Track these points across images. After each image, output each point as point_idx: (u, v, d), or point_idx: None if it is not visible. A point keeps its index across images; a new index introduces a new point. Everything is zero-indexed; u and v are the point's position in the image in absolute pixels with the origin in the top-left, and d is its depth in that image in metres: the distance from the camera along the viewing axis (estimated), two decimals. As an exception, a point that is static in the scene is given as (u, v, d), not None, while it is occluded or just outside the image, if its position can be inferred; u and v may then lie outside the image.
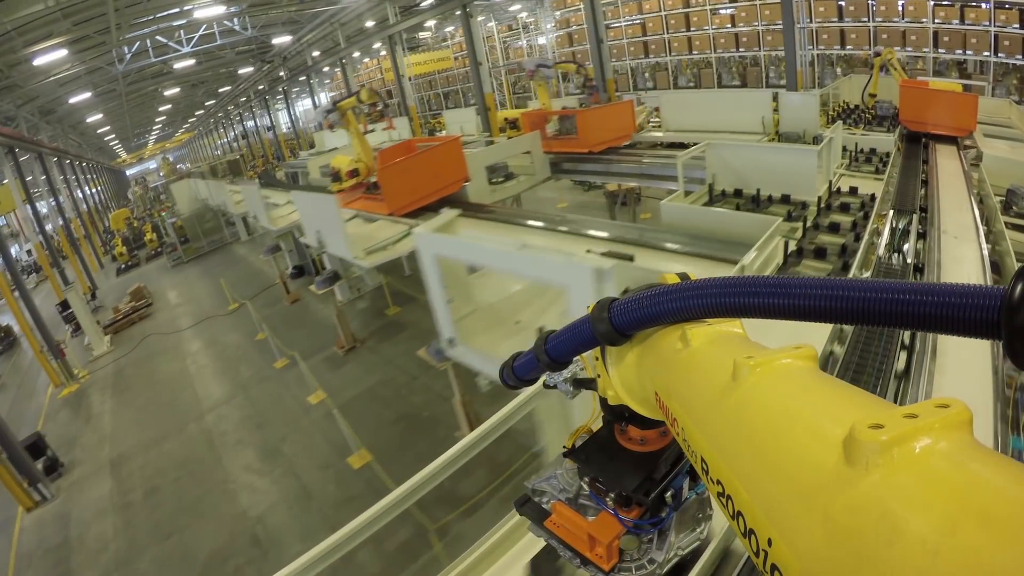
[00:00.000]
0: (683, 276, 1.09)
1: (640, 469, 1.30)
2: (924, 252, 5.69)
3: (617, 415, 1.33)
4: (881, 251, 5.57)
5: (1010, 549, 0.44)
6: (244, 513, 9.45)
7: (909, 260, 5.36)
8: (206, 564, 8.74)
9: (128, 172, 74.77)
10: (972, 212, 6.58)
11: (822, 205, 7.19)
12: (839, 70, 20.89)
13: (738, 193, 8.50)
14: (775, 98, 12.44)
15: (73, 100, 23.20)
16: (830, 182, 7.87)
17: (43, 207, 26.38)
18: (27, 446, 11.88)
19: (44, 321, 16.14)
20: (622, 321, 1.08)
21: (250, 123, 50.69)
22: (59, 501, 11.43)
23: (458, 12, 18.15)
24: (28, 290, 15.90)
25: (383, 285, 14.68)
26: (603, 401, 1.35)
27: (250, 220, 14.43)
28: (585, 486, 1.43)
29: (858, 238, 5.95)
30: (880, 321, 0.74)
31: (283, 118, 45.17)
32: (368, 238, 8.59)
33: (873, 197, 7.31)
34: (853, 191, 7.72)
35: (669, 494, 1.27)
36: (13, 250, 20.01)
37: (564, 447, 1.47)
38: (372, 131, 11.41)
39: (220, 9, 18.71)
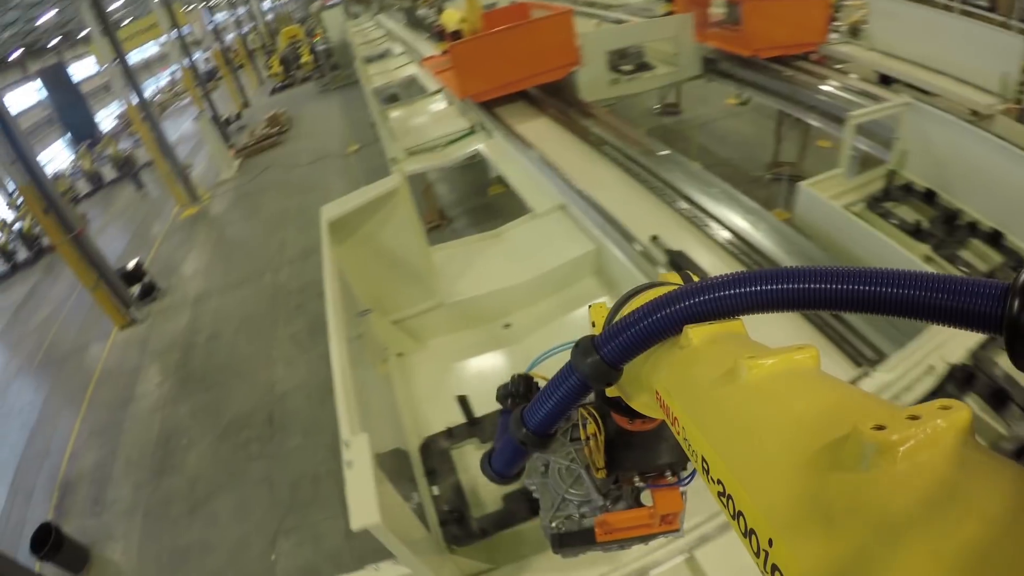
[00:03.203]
0: (685, 277, 1.11)
1: (664, 441, 1.36)
2: None
3: (614, 404, 1.34)
4: None
5: (1011, 553, 0.44)
6: (273, 387, 9.25)
7: None
8: (226, 427, 8.79)
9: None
10: None
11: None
12: None
13: (929, 197, 5.40)
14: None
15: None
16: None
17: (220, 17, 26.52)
18: (127, 272, 12.61)
19: (171, 145, 16.50)
20: (615, 357, 1.03)
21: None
22: (145, 325, 12.08)
23: None
24: (156, 118, 16.18)
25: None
26: (600, 394, 1.37)
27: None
28: (613, 486, 1.52)
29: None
30: (882, 310, 0.74)
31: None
32: (421, 132, 6.85)
33: None
34: None
35: None
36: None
37: (596, 468, 1.47)
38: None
39: None
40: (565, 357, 1.14)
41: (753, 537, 0.66)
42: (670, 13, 10.24)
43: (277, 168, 17.94)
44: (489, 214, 11.58)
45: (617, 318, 1.04)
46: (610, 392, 1.29)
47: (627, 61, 8.94)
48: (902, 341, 3.31)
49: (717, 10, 10.03)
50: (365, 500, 1.85)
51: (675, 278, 1.10)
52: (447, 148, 6.42)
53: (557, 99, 7.99)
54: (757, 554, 0.65)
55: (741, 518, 0.69)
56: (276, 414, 8.65)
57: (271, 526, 7.07)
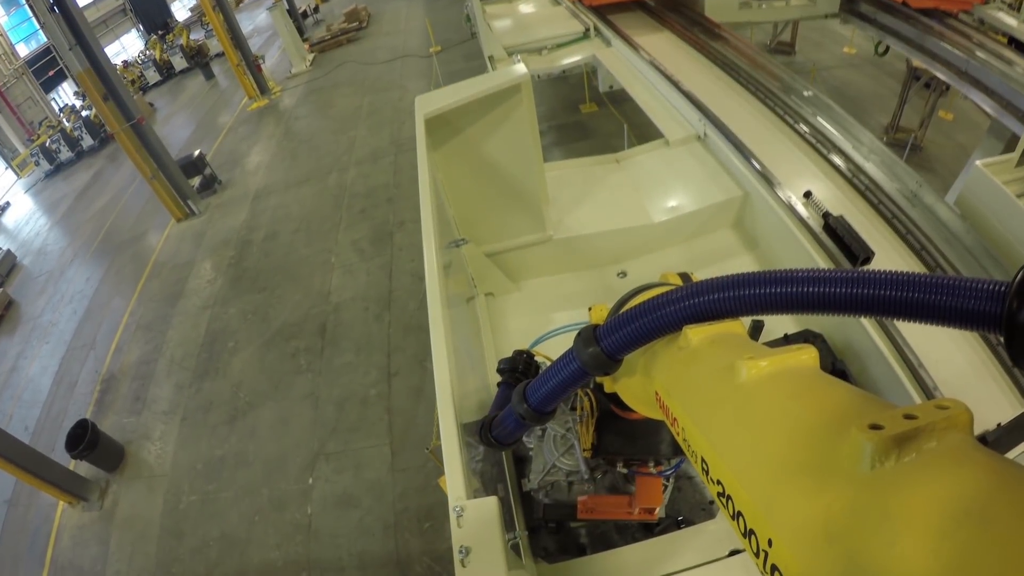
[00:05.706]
0: (685, 277, 1.14)
1: (659, 432, 1.41)
2: None
3: (612, 397, 1.36)
4: None
5: (1009, 550, 0.43)
6: (328, 296, 8.77)
7: None
8: (275, 333, 8.37)
9: None
10: None
11: None
12: None
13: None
14: None
15: None
16: None
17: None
18: (187, 164, 12.06)
19: (243, 36, 15.84)
20: (614, 350, 1.06)
21: None
22: (203, 219, 11.66)
23: None
24: (229, 8, 15.65)
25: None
26: (599, 387, 1.39)
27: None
28: (603, 462, 1.60)
29: None
30: (884, 312, 0.73)
31: None
32: (525, 31, 5.93)
33: None
34: None
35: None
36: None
37: (583, 448, 1.57)
38: None
39: None
40: (567, 338, 1.25)
41: (753, 537, 0.65)
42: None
43: (353, 64, 17.11)
44: (579, 134, 10.70)
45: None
46: (609, 388, 1.33)
47: (761, -15, 7.73)
48: None
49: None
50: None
51: (675, 279, 1.18)
52: (555, 52, 5.49)
53: (677, 14, 6.88)
54: (757, 554, 0.65)
55: (741, 518, 0.69)
56: (329, 326, 8.16)
57: (311, 447, 6.64)
